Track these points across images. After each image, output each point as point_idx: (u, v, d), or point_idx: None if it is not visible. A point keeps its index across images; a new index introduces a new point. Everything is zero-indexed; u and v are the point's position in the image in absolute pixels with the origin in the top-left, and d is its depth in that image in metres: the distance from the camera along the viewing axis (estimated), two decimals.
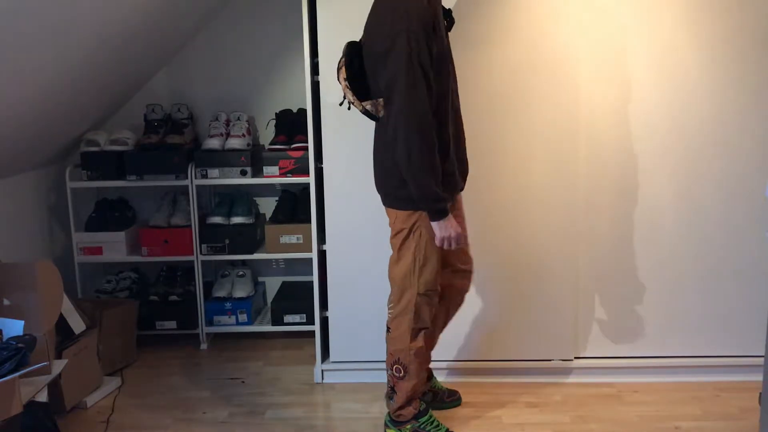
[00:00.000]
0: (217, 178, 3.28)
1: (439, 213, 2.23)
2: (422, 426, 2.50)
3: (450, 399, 2.73)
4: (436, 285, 2.39)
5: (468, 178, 2.59)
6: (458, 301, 2.62)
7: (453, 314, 2.65)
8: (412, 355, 2.42)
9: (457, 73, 2.41)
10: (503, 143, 2.78)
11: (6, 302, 2.36)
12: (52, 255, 3.39)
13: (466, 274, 2.57)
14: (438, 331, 2.65)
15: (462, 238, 2.32)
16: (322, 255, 2.95)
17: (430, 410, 2.56)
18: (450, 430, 2.52)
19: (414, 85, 2.13)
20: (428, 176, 2.18)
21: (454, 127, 2.34)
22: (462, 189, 2.49)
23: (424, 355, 2.48)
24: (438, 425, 2.52)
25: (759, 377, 2.07)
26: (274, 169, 3.27)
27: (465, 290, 2.59)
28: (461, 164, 2.44)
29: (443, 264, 2.45)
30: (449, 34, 2.37)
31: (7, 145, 2.77)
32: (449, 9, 2.41)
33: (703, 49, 2.75)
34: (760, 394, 1.94)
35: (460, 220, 2.50)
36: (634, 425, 2.60)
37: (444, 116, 2.26)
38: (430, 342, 2.57)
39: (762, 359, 1.98)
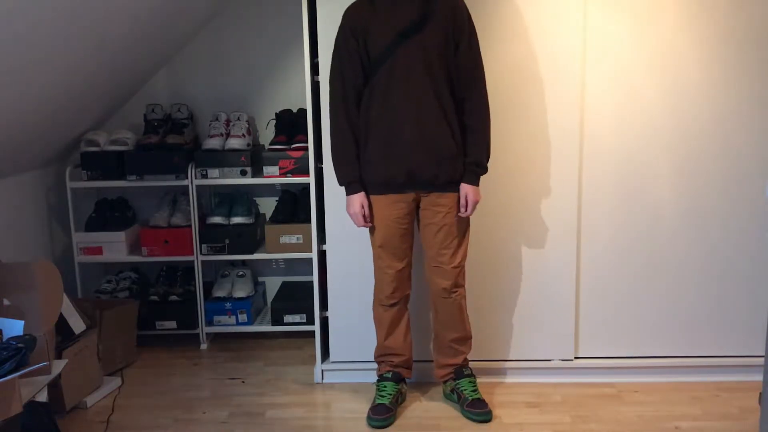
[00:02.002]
0: (217, 178, 3.28)
1: (346, 189, 2.57)
2: (378, 388, 2.72)
3: (469, 408, 2.64)
4: (385, 260, 2.60)
5: None
6: (439, 296, 2.63)
7: (443, 313, 2.66)
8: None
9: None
10: (504, 143, 2.77)
11: (6, 302, 2.35)
12: (52, 255, 3.39)
13: (438, 271, 2.61)
14: (441, 331, 2.70)
15: (360, 221, 2.56)
16: (322, 255, 2.95)
17: (389, 383, 2.69)
18: (388, 405, 2.62)
19: (331, 78, 2.55)
20: (334, 156, 2.59)
21: (390, 126, 2.47)
22: (413, 189, 2.53)
23: (379, 323, 2.70)
24: (383, 395, 2.66)
25: (759, 377, 2.07)
26: (274, 169, 3.27)
27: (439, 286, 2.61)
28: (401, 162, 2.48)
29: (427, 258, 2.63)
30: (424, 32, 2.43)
31: (8, 145, 2.77)
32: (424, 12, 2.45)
33: (703, 49, 2.75)
34: (760, 394, 1.94)
35: (435, 221, 2.55)
36: (634, 425, 2.60)
37: (374, 110, 2.48)
38: (397, 320, 2.68)
39: (762, 359, 1.98)
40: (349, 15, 2.51)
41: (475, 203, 2.55)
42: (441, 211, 2.55)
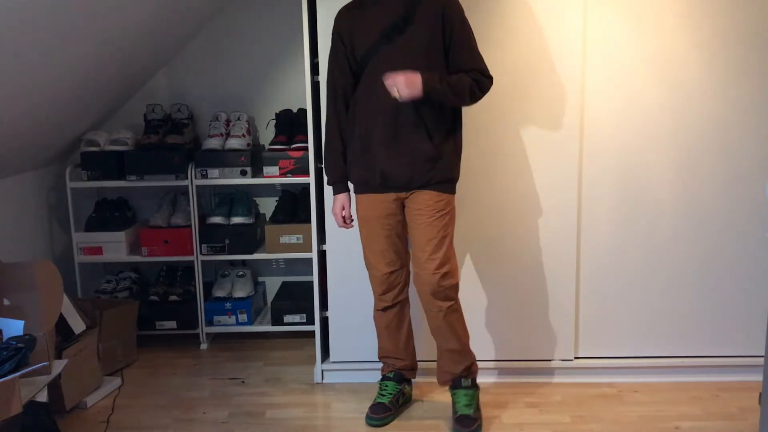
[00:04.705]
0: (217, 178, 3.28)
1: (332, 189, 2.60)
2: (379, 387, 2.73)
3: (455, 425, 2.54)
4: (372, 261, 2.58)
5: (469, 177, 2.58)
6: (426, 307, 2.53)
7: (431, 324, 2.56)
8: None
9: None
10: (504, 143, 2.78)
11: (6, 302, 2.36)
12: (52, 255, 3.39)
13: (418, 277, 2.50)
14: (435, 338, 2.62)
15: (339, 221, 2.60)
16: (322, 255, 2.95)
17: (391, 382, 2.69)
18: (387, 404, 2.64)
19: (326, 80, 2.58)
20: (323, 157, 2.60)
21: (367, 127, 2.45)
22: (389, 189, 2.47)
23: (379, 325, 2.68)
24: (383, 394, 2.68)
25: (759, 377, 2.07)
26: (274, 169, 3.27)
27: (422, 294, 2.51)
28: (374, 163, 2.44)
29: (413, 264, 2.56)
30: (405, 34, 2.38)
31: (8, 144, 2.77)
32: (407, 13, 2.39)
33: (703, 49, 2.75)
34: (760, 394, 1.94)
35: (413, 222, 2.49)
36: (634, 425, 2.60)
37: (357, 111, 2.47)
38: (393, 325, 2.65)
39: (762, 359, 1.98)
40: (337, 18, 2.52)
41: (404, 81, 2.28)
42: (421, 209, 2.46)
